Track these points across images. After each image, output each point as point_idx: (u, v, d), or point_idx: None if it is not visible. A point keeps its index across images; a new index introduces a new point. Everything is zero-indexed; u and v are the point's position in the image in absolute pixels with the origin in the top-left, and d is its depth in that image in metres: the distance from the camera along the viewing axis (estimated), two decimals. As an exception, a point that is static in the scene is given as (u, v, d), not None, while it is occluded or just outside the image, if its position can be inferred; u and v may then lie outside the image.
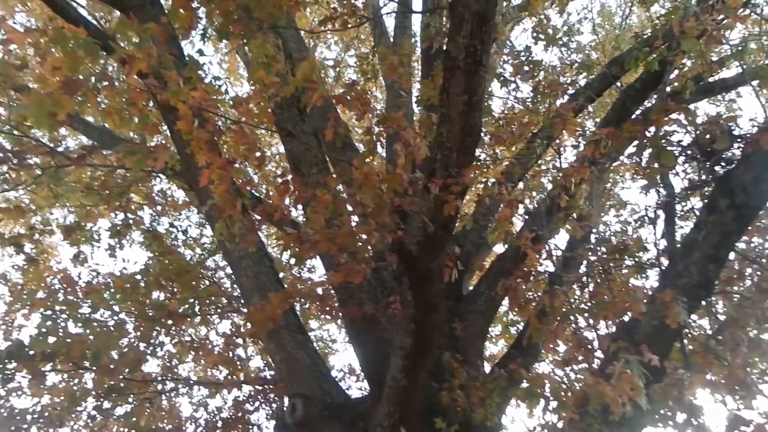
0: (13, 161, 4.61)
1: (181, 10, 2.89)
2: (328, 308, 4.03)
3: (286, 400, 4.18)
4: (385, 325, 4.47)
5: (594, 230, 4.30)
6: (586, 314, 3.28)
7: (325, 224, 3.16)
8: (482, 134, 3.32)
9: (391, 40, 6.90)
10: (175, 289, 5.41)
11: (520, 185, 4.88)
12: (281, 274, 5.50)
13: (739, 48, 3.74)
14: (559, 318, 3.25)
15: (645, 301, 2.99)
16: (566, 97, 5.12)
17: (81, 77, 2.19)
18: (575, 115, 5.09)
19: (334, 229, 3.16)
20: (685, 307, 2.84)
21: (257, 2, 2.97)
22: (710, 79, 4.66)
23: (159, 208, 5.87)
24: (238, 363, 6.39)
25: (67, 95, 2.20)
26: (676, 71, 4.38)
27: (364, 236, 3.04)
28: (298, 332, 4.42)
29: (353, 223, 3.23)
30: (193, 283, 6.00)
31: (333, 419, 4.17)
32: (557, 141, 4.35)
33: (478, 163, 4.22)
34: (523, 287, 3.79)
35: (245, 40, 2.94)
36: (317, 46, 7.77)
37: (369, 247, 3.40)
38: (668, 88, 4.91)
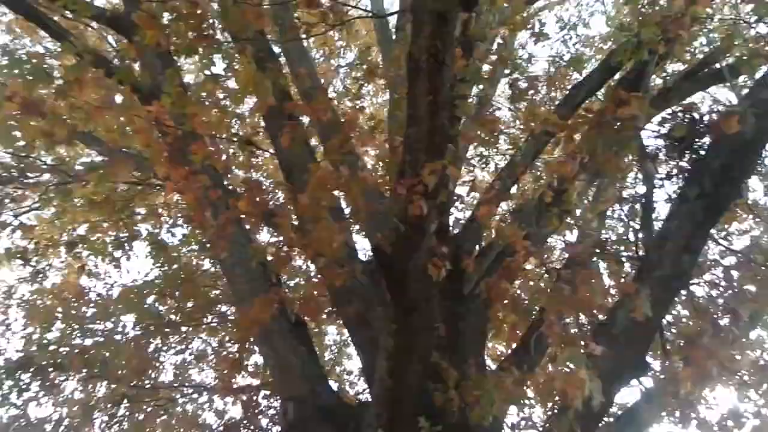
0: (19, 179, 4.82)
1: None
2: (313, 311, 4.07)
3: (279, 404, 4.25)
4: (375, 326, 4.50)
5: (581, 225, 4.25)
6: (542, 308, 3.26)
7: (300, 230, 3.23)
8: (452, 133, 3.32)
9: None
10: (175, 299, 5.54)
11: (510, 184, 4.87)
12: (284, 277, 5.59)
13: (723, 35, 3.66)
14: (519, 314, 3.24)
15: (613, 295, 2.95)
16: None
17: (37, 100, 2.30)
18: (574, 109, 5.07)
19: (308, 234, 3.22)
20: (650, 299, 2.80)
21: (224, 16, 3.06)
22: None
23: (164, 219, 6.04)
24: (247, 367, 6.49)
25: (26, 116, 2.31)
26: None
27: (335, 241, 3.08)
28: (290, 335, 4.48)
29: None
30: (202, 289, 6.15)
31: (325, 421, 4.21)
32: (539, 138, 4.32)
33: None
34: (507, 285, 3.77)
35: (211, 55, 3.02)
36: (319, 52, 7.84)
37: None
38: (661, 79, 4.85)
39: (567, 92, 5.42)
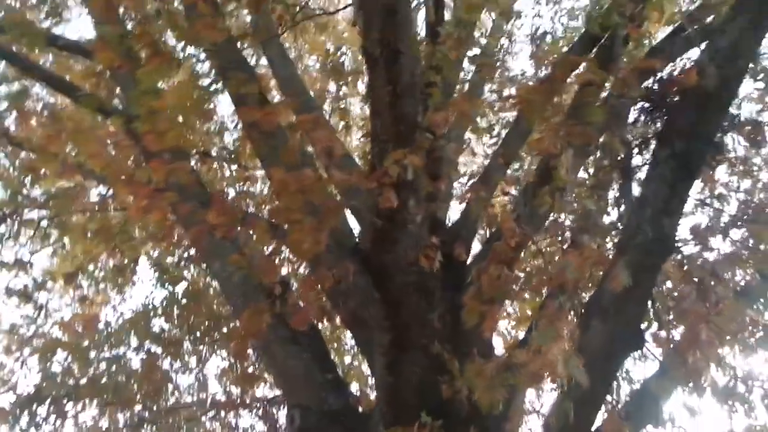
0: (12, 218, 4.91)
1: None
2: (302, 319, 4.06)
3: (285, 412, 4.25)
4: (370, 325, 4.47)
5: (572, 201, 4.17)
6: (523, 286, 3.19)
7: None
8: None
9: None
10: (182, 319, 5.59)
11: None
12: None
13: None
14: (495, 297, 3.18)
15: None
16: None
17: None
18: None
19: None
20: (631, 268, 2.73)
21: (173, 30, 3.08)
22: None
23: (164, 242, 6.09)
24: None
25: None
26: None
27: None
28: (290, 343, 4.46)
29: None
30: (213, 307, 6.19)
31: (333, 426, 4.19)
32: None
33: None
34: (498, 269, 3.71)
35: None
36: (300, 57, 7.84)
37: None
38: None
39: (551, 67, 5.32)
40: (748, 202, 3.88)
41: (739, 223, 3.68)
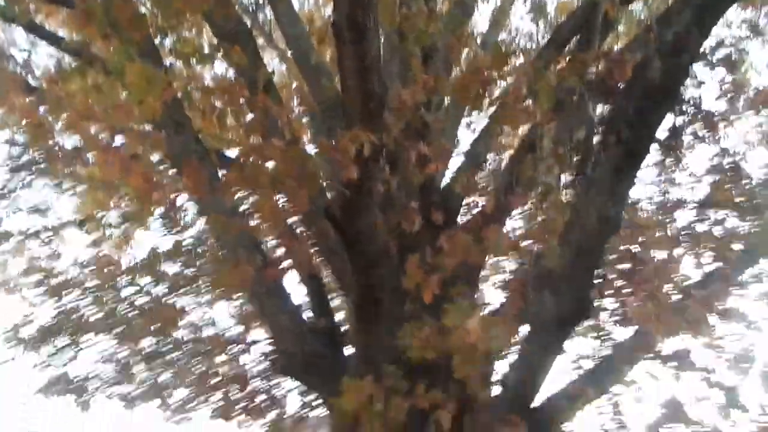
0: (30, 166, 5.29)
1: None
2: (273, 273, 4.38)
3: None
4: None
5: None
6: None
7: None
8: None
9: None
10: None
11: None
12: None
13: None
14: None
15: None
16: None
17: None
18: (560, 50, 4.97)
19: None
20: (574, 247, 2.88)
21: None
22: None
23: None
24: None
25: None
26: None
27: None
28: (279, 294, 4.80)
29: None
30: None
31: (312, 369, 4.58)
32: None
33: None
34: (462, 238, 3.90)
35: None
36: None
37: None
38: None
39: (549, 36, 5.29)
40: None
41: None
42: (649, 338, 3.97)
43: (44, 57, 5.17)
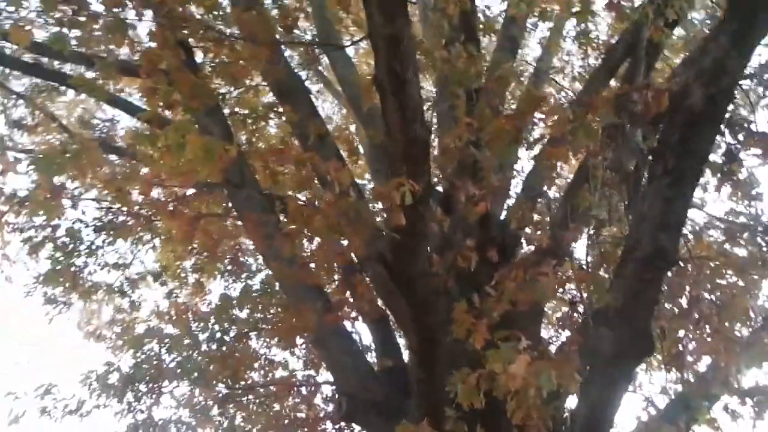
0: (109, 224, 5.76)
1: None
2: (335, 318, 4.48)
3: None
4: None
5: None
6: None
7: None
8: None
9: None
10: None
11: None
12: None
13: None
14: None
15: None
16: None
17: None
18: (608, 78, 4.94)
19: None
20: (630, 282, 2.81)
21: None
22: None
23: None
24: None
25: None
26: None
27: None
28: (344, 337, 4.91)
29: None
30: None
31: (375, 412, 4.61)
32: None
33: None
34: (519, 275, 3.88)
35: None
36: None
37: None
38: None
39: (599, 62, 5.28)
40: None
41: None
42: (724, 373, 3.76)
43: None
